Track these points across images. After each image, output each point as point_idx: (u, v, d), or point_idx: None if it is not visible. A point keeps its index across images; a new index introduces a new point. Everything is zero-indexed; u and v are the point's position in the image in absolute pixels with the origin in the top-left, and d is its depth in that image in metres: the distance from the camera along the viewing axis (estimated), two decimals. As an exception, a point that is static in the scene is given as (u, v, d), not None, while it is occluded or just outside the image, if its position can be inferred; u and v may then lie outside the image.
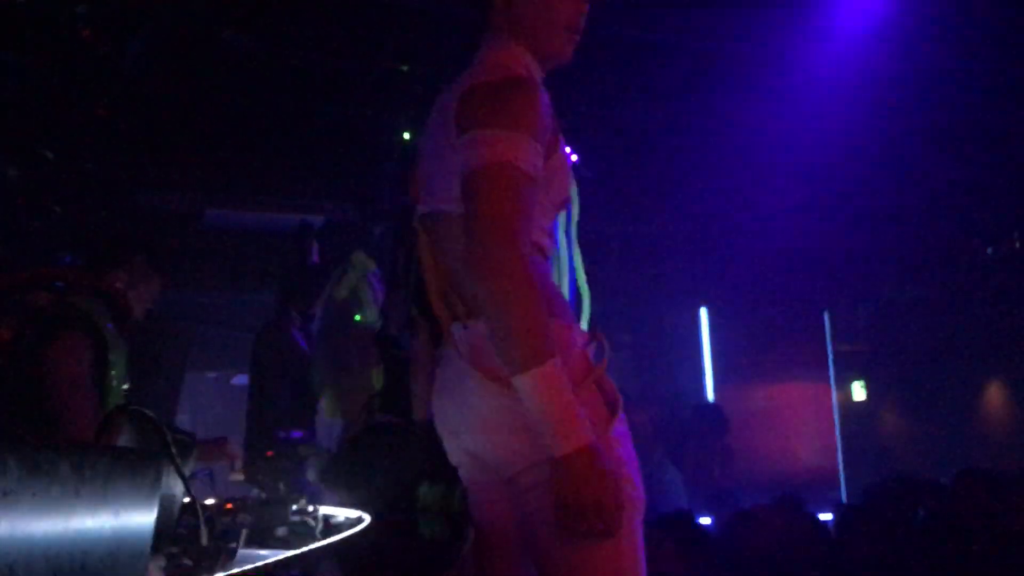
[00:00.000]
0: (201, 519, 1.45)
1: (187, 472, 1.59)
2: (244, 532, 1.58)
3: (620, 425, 1.58)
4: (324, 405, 4.92)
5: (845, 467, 7.46)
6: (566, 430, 1.40)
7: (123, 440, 1.48)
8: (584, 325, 1.76)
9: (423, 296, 1.80)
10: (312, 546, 1.72)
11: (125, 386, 2.85)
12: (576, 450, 1.40)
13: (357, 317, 4.32)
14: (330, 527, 2.10)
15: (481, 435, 1.59)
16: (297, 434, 4.30)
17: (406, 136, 5.16)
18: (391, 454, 2.09)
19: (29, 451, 0.89)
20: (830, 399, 7.67)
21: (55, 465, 0.92)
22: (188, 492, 1.50)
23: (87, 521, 0.96)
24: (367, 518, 2.00)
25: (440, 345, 1.76)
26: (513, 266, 1.43)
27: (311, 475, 3.56)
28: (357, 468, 2.24)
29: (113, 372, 2.79)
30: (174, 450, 1.39)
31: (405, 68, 4.77)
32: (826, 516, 4.64)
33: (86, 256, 3.15)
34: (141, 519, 1.05)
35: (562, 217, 1.73)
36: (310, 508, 2.22)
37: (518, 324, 1.42)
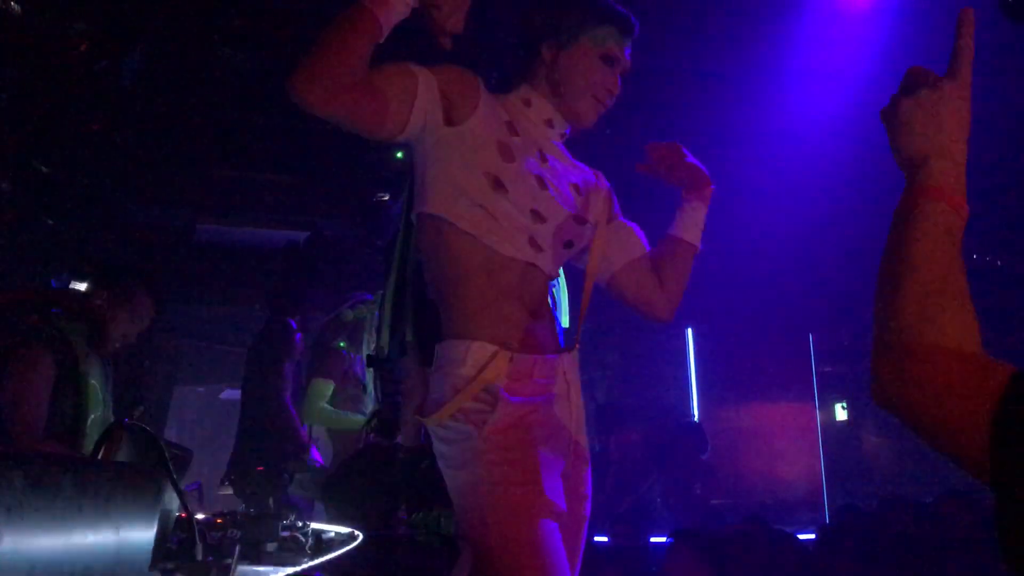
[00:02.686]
0: (196, 535, 1.47)
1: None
2: (238, 548, 1.59)
3: (504, 419, 1.69)
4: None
5: (828, 487, 7.50)
6: None
7: (120, 454, 1.50)
8: (565, 322, 2.00)
9: (417, 319, 1.86)
10: (315, 561, 1.74)
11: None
12: None
13: (341, 344, 4.33)
14: (321, 543, 2.11)
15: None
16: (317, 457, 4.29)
17: (399, 155, 5.18)
18: (375, 479, 2.13)
19: (33, 467, 0.91)
20: (814, 420, 7.72)
21: (58, 481, 0.94)
22: (185, 507, 1.52)
23: (89, 536, 0.98)
24: (360, 535, 2.02)
25: (429, 366, 1.83)
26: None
27: (292, 488, 3.58)
28: (346, 490, 2.28)
29: (91, 382, 2.85)
30: (171, 465, 1.42)
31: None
32: (810, 536, 4.68)
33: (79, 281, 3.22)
34: (141, 534, 1.08)
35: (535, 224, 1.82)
36: (300, 523, 2.23)
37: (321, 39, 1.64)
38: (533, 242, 1.80)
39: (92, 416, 2.83)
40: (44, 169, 4.69)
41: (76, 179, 5.05)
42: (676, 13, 4.26)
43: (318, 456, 4.28)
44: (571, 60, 1.89)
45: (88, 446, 2.74)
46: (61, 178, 4.91)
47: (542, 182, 1.82)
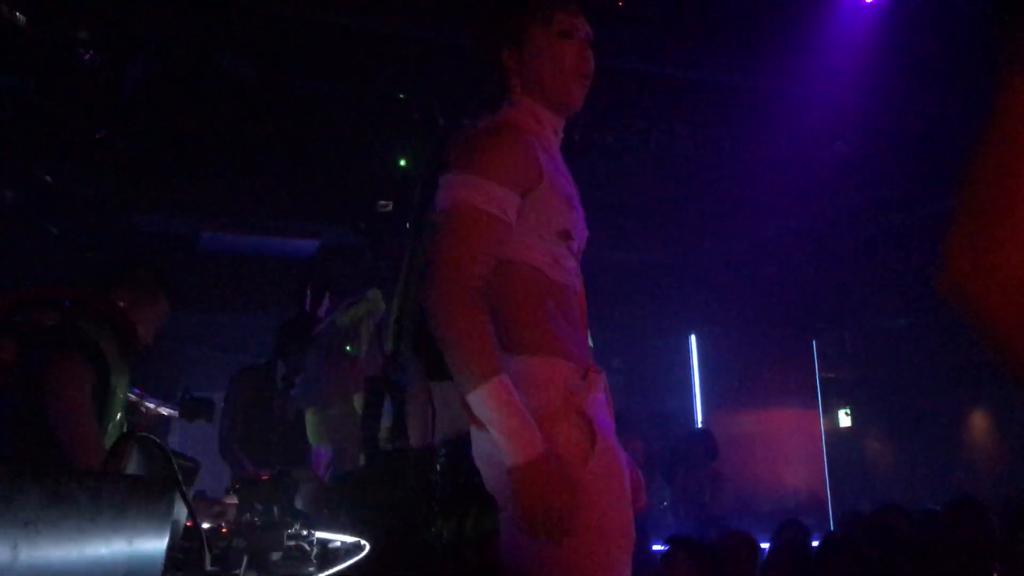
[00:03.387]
0: (205, 545, 1.48)
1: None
2: (245, 558, 1.60)
3: (603, 458, 1.65)
4: (308, 430, 4.92)
5: (832, 494, 7.49)
6: (516, 443, 1.54)
7: (130, 465, 1.51)
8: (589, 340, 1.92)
9: (416, 333, 1.87)
10: (323, 574, 1.75)
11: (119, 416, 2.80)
12: (527, 462, 1.53)
13: (348, 348, 4.34)
14: (327, 552, 2.12)
15: (481, 467, 1.72)
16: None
17: (402, 163, 5.21)
18: (399, 485, 2.14)
19: (50, 481, 0.92)
20: (818, 426, 7.72)
21: (73, 494, 0.95)
22: (192, 517, 1.53)
23: (102, 548, 0.99)
24: (367, 545, 2.02)
25: (433, 378, 1.85)
26: (454, 303, 1.60)
27: (299, 502, 3.56)
28: (366, 498, 2.28)
29: (117, 394, 2.74)
30: (180, 476, 1.42)
31: (402, 96, 4.83)
32: (814, 543, 4.66)
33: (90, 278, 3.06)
34: (153, 545, 1.08)
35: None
36: (304, 532, 2.24)
37: (461, 351, 1.59)
38: (576, 272, 1.85)
39: (112, 422, 2.76)
40: (48, 178, 4.71)
41: (80, 188, 5.07)
42: (687, 25, 4.28)
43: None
44: (533, 54, 1.85)
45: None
46: (65, 187, 4.93)
47: (580, 216, 1.86)
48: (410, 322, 2.06)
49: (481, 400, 1.55)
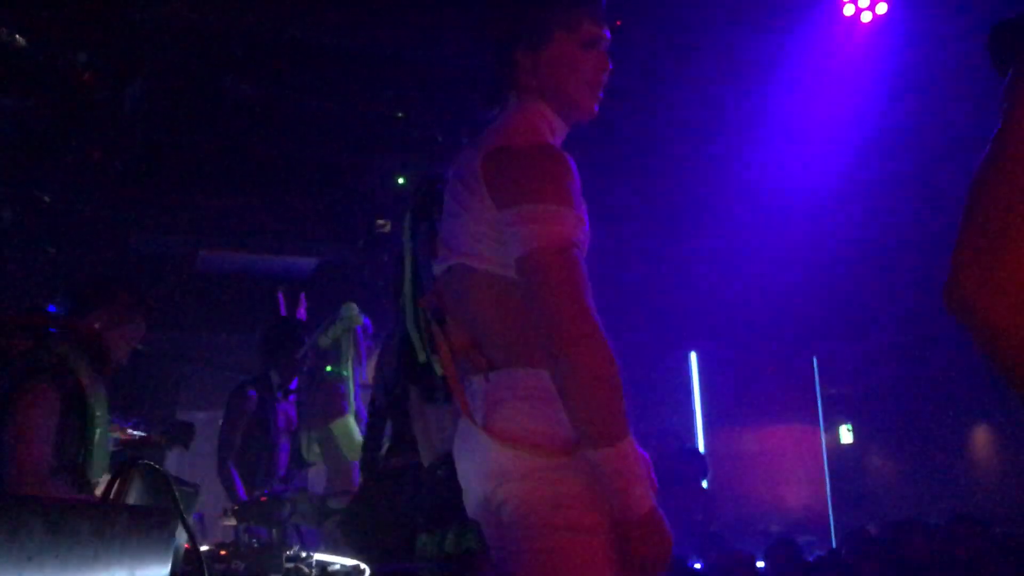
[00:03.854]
0: (207, 570, 1.47)
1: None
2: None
3: None
4: (301, 446, 4.93)
5: (834, 510, 7.47)
6: (640, 497, 1.52)
7: (132, 494, 1.50)
8: None
9: (412, 360, 1.87)
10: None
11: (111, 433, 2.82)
12: (647, 512, 1.53)
13: (328, 368, 4.34)
14: (326, 575, 2.11)
15: (487, 482, 1.64)
16: (280, 488, 4.34)
17: (400, 181, 5.22)
18: (394, 502, 2.13)
19: (53, 514, 0.92)
20: (819, 442, 7.70)
21: (76, 528, 0.94)
22: (193, 542, 1.52)
23: (105, 580, 0.99)
24: (366, 568, 2.02)
25: (431, 401, 1.85)
26: (597, 348, 1.51)
27: (296, 517, 3.57)
28: (363, 516, 2.27)
29: (97, 415, 2.75)
30: (181, 504, 1.42)
31: (401, 115, 4.85)
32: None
33: (69, 299, 3.07)
34: (156, 574, 1.08)
35: None
36: (303, 554, 2.23)
37: (601, 405, 1.52)
38: None
39: (97, 438, 2.76)
40: (46, 198, 4.72)
41: (78, 207, 5.08)
42: (692, 44, 4.32)
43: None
44: (552, 60, 1.71)
45: (92, 465, 2.69)
46: (63, 206, 4.93)
47: None
48: (403, 353, 2.07)
49: (615, 456, 1.52)
